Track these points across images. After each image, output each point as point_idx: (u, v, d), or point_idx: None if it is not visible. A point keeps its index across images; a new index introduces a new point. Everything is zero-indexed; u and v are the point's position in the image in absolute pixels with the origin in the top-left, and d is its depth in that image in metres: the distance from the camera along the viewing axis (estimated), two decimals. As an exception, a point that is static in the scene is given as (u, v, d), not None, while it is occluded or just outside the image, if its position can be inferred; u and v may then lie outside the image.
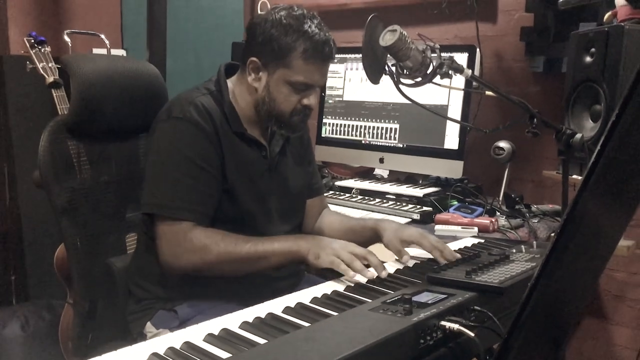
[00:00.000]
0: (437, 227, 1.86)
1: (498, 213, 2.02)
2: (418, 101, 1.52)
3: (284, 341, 0.88)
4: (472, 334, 0.96)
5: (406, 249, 1.43)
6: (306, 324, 0.98)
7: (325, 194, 2.20)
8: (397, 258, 1.43)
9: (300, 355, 0.83)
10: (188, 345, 0.89)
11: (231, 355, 0.85)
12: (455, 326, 0.98)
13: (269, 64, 1.42)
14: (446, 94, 2.14)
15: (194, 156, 1.37)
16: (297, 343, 0.87)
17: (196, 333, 0.94)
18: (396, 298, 1.07)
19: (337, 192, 2.25)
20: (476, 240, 1.62)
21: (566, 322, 0.98)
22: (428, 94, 1.88)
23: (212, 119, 1.40)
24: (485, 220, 1.86)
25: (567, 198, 1.54)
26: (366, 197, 2.17)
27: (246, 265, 1.35)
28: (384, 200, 2.12)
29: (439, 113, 2.02)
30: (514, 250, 1.39)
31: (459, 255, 1.36)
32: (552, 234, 1.92)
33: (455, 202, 2.08)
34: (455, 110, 2.13)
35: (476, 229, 1.82)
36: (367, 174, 2.53)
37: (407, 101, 1.48)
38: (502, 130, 1.83)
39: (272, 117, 1.46)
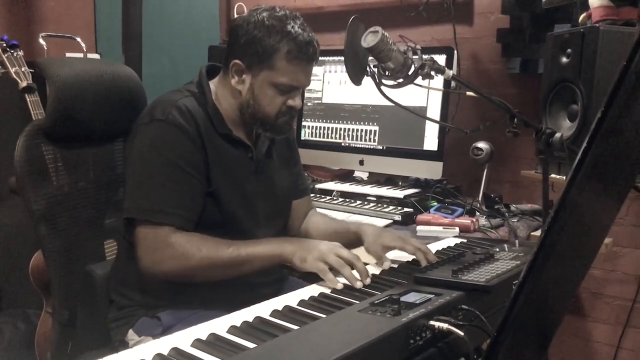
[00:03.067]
0: (418, 227, 1.86)
1: (478, 213, 2.04)
2: (398, 102, 1.52)
3: (273, 345, 0.87)
4: (461, 333, 0.96)
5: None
6: (295, 327, 0.97)
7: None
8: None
9: (290, 358, 0.82)
10: (176, 351, 0.88)
11: (220, 360, 0.84)
12: (444, 325, 0.98)
13: (253, 66, 1.40)
14: (425, 96, 2.15)
15: (177, 159, 1.34)
16: (287, 346, 0.86)
17: (183, 338, 0.92)
18: (384, 299, 1.06)
19: (318, 195, 2.24)
20: (458, 240, 1.62)
21: (553, 320, 0.99)
22: (407, 96, 1.88)
23: (196, 121, 1.38)
24: (466, 221, 1.87)
25: (548, 197, 1.55)
26: (347, 200, 2.16)
27: (229, 270, 1.33)
28: (365, 202, 2.12)
29: (420, 114, 2.03)
30: (498, 249, 1.40)
31: (438, 259, 1.36)
32: (532, 233, 1.95)
33: (436, 203, 2.09)
34: (434, 112, 2.15)
35: (457, 229, 1.83)
36: (347, 176, 2.53)
37: (387, 103, 1.48)
38: (481, 131, 1.84)
39: (257, 120, 1.45)
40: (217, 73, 1.51)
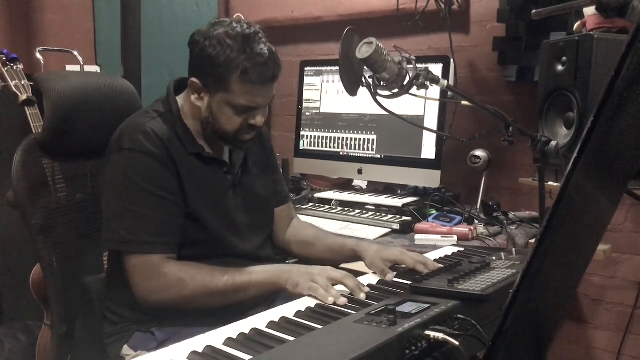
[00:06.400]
0: (417, 236, 1.87)
1: (476, 221, 2.04)
2: (394, 112, 1.53)
3: (269, 356, 0.88)
4: (457, 343, 0.97)
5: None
6: (291, 338, 0.98)
7: (305, 206, 2.20)
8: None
9: (286, 370, 0.82)
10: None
11: (216, 372, 0.84)
12: (440, 335, 0.98)
13: (209, 85, 1.37)
14: (422, 105, 2.16)
15: (150, 186, 1.33)
16: (283, 358, 0.86)
17: (180, 351, 0.92)
18: (380, 309, 1.06)
19: (317, 204, 2.25)
20: (456, 249, 1.62)
21: (549, 328, 0.99)
22: (404, 105, 1.89)
23: (165, 144, 1.35)
24: (464, 229, 1.87)
25: (544, 204, 1.55)
26: (346, 209, 2.17)
27: (224, 298, 1.32)
28: (364, 211, 2.12)
29: (416, 124, 2.04)
30: (494, 258, 1.40)
31: (441, 266, 1.36)
32: (530, 240, 1.95)
33: (434, 211, 2.09)
34: (431, 121, 2.15)
35: (455, 237, 1.84)
36: (345, 185, 2.54)
37: (384, 112, 1.49)
38: (478, 139, 1.85)
39: (218, 136, 1.43)
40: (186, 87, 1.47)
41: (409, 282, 1.24)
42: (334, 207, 2.21)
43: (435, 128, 2.13)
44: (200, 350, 0.93)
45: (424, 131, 2.16)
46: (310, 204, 2.26)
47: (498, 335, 0.91)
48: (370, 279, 1.36)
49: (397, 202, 2.11)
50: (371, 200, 2.18)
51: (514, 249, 1.49)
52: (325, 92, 2.46)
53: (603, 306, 2.28)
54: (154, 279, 1.31)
